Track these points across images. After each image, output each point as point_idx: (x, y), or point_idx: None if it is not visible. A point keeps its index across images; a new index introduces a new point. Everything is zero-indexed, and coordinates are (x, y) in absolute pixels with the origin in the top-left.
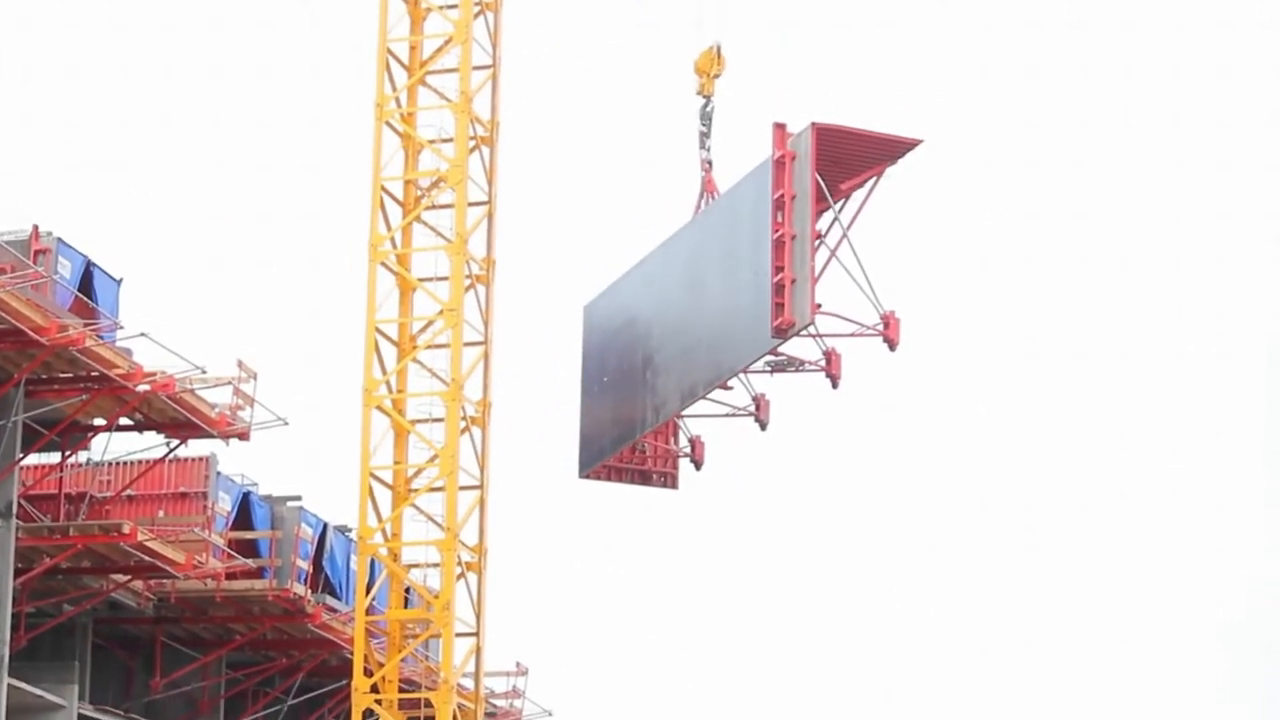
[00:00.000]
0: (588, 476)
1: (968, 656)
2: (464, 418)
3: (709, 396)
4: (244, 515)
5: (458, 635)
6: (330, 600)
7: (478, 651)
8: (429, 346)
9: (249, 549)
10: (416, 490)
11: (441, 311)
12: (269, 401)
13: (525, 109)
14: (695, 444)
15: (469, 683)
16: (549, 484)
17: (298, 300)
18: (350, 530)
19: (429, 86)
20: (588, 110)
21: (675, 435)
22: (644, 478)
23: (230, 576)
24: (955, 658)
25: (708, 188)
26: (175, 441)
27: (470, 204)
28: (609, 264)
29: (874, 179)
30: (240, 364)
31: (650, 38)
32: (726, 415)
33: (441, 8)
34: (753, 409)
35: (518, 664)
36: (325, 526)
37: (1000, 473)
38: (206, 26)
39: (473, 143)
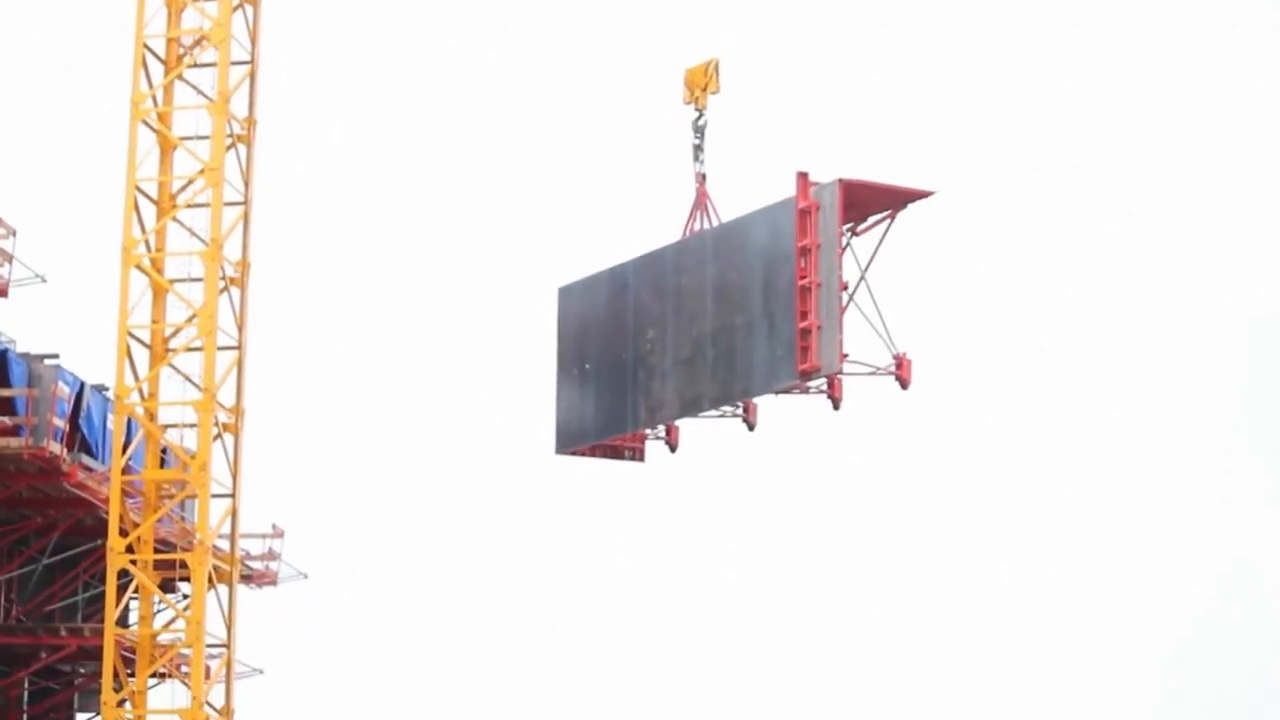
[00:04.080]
0: (563, 453)
1: (905, 676)
2: (223, 277)
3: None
4: (0, 373)
5: (214, 496)
6: (86, 459)
7: (234, 513)
8: (189, 206)
9: (5, 407)
10: (174, 350)
11: (202, 170)
12: (27, 258)
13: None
14: (670, 428)
15: (225, 544)
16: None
17: (57, 156)
18: (107, 389)
19: (187, 83)
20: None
21: None
22: (615, 453)
23: None
24: (891, 673)
25: (701, 201)
26: None
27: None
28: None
29: (888, 222)
30: None
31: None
32: (715, 416)
33: (198, 1)
34: (741, 411)
35: (274, 526)
36: (82, 385)
37: (994, 501)
38: None
39: (230, 140)
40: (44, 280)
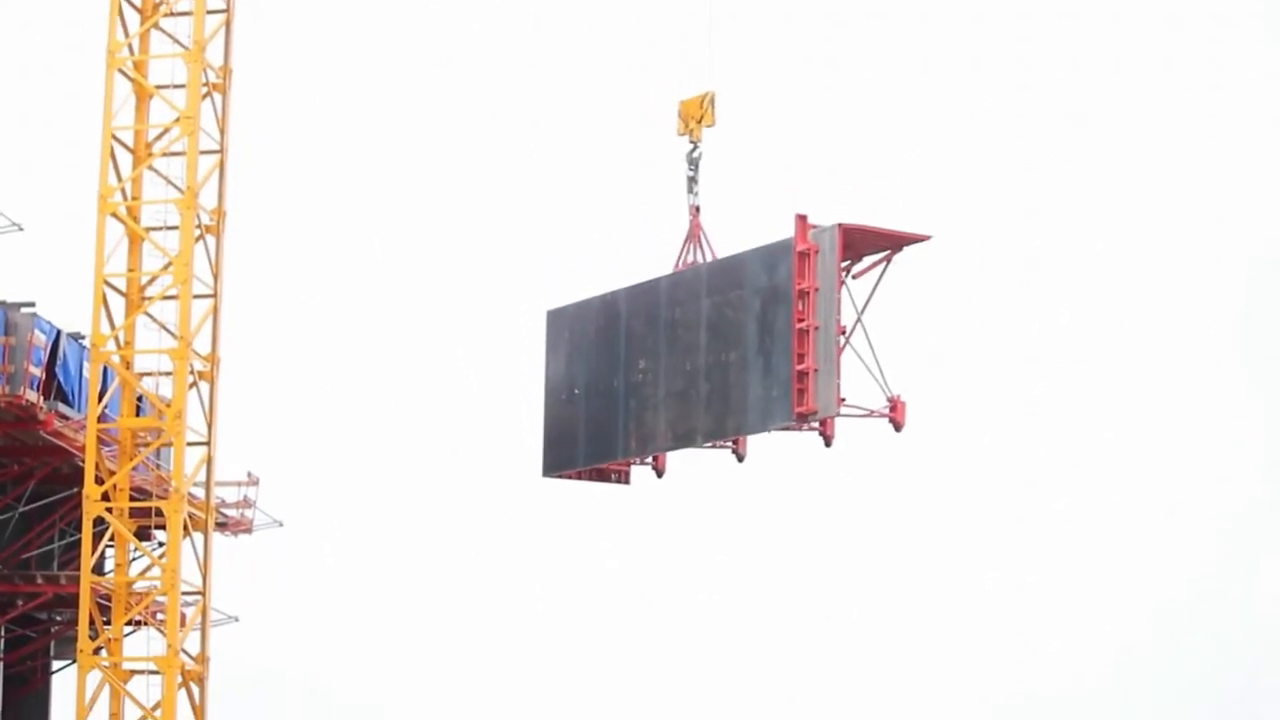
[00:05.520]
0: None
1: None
2: (199, 225)
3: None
4: None
5: (189, 444)
6: (62, 408)
7: (209, 461)
8: (165, 155)
9: None
10: (150, 298)
11: (178, 119)
12: (3, 206)
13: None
14: (658, 456)
15: (200, 492)
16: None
17: (33, 104)
18: (84, 337)
19: (163, 31)
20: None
21: None
22: (601, 475)
23: None
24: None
25: (694, 232)
26: None
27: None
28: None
29: (884, 265)
30: None
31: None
32: (706, 447)
33: None
34: (731, 443)
35: (249, 474)
36: (59, 333)
37: (982, 540)
38: None
39: (205, 89)
40: (20, 228)
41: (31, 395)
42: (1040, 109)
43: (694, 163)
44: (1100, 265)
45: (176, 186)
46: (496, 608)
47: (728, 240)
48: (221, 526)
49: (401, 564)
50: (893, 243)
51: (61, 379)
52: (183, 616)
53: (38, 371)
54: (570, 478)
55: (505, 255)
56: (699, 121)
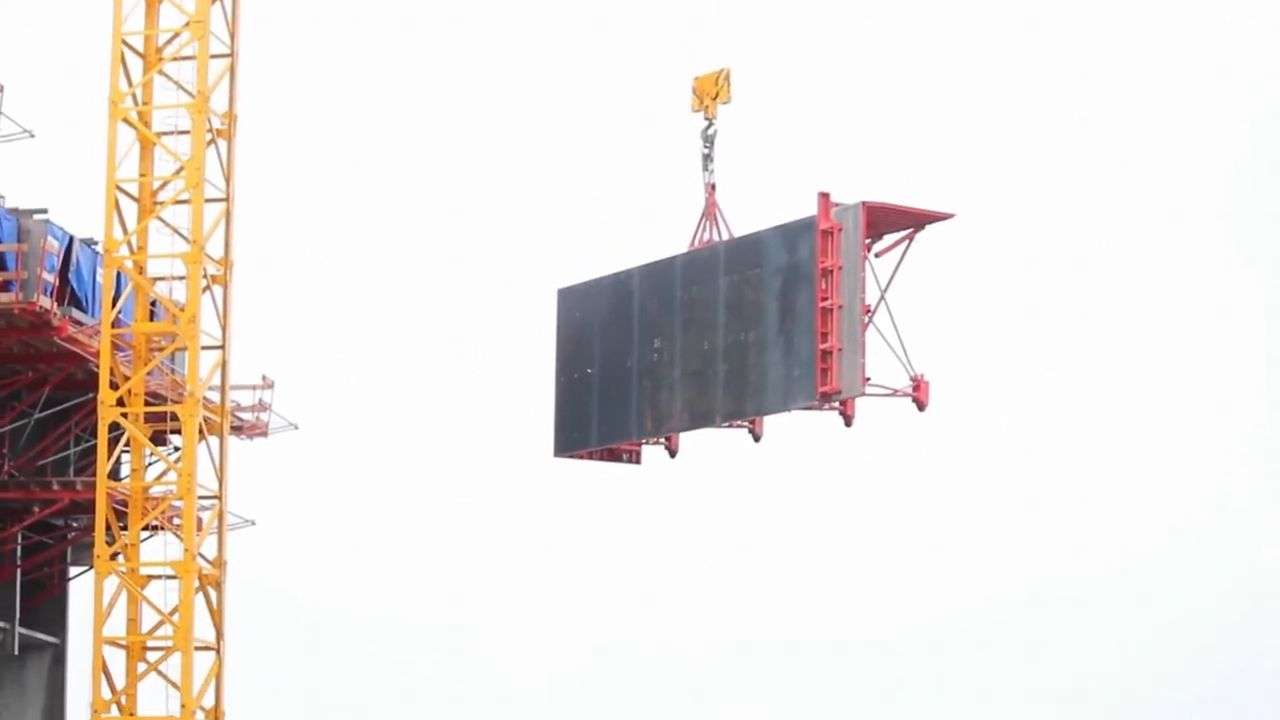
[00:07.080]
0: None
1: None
2: (210, 130)
3: None
4: None
5: (203, 348)
6: (76, 313)
7: (223, 365)
8: (175, 59)
9: None
10: (162, 203)
11: (188, 23)
12: (14, 113)
13: None
14: (671, 436)
15: (215, 396)
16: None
17: (43, 10)
18: (97, 243)
19: None
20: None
21: None
22: (613, 455)
23: None
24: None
25: (710, 210)
26: None
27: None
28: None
29: (906, 243)
30: None
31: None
32: (724, 426)
33: None
34: (747, 423)
35: (264, 377)
36: (71, 239)
37: (1001, 521)
38: None
39: None
40: (32, 135)
41: (45, 301)
42: (1060, 87)
43: (709, 140)
44: (1121, 243)
45: (187, 91)
46: (501, 593)
47: (743, 218)
48: (237, 430)
49: (413, 458)
50: (916, 221)
51: (75, 285)
52: (199, 521)
53: (51, 278)
54: (581, 457)
55: (517, 232)
56: (714, 98)
